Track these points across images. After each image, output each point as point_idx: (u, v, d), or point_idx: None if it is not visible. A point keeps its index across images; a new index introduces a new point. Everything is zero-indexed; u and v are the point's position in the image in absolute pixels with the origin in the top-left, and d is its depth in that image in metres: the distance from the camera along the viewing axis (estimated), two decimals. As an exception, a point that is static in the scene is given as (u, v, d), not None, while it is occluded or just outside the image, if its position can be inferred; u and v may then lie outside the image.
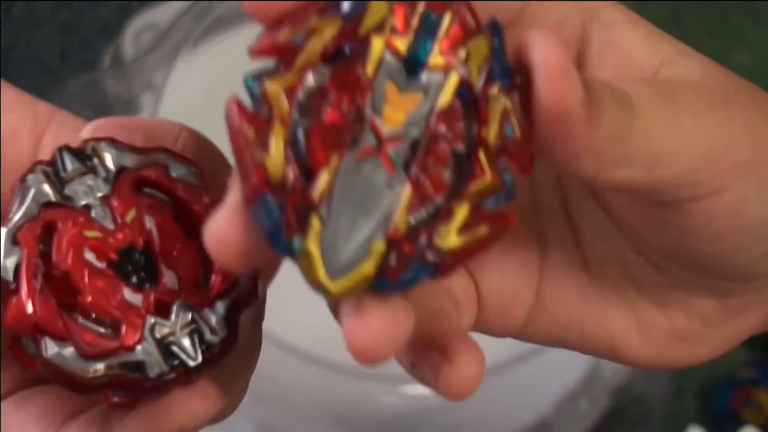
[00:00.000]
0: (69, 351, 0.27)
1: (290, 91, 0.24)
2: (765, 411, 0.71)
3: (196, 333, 0.28)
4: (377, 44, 0.24)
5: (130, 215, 0.28)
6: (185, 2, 0.70)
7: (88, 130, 0.30)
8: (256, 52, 0.25)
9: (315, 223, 0.24)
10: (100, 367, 0.27)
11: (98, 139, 0.29)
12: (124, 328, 0.27)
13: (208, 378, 0.28)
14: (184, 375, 0.28)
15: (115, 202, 0.28)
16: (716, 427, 0.73)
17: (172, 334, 0.28)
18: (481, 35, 0.25)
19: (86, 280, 0.27)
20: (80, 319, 0.27)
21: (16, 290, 0.27)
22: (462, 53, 0.25)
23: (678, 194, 0.27)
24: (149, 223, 0.28)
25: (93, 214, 0.28)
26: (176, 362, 0.27)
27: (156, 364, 0.27)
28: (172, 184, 0.29)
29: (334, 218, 0.24)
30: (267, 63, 0.26)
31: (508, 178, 0.25)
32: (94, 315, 0.27)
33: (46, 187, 0.28)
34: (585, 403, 0.65)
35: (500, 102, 0.25)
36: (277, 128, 0.24)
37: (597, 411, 0.68)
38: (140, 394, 0.28)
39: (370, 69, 0.24)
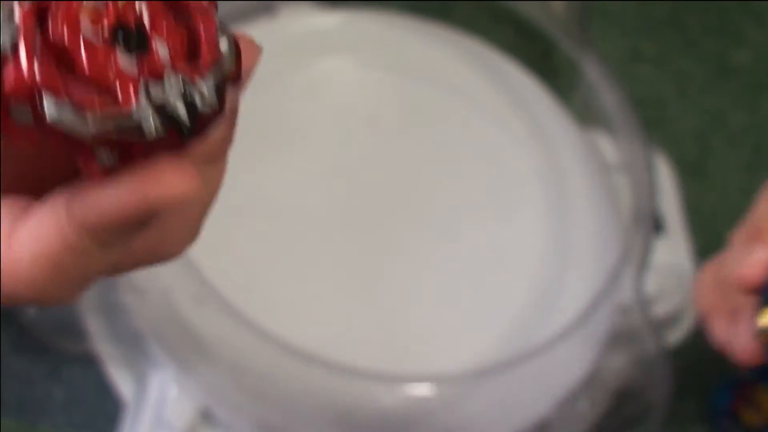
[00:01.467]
0: (69, 111, 0.28)
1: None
2: (765, 411, 0.71)
3: (189, 99, 0.29)
4: None
5: None
6: (185, 2, 0.69)
7: None
8: None
9: None
10: (99, 125, 0.28)
11: None
12: (120, 92, 0.28)
13: (189, 160, 0.29)
14: (178, 138, 0.29)
15: None
16: (716, 427, 0.73)
17: (166, 99, 0.29)
18: None
19: (83, 51, 0.28)
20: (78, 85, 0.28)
21: (15, 58, 0.28)
22: None
23: None
24: (138, 5, 0.29)
25: None
26: (171, 124, 0.28)
27: (153, 126, 0.28)
28: None
29: None
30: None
31: None
32: (91, 82, 0.28)
33: None
34: (585, 403, 0.65)
35: None
36: None
37: (597, 411, 0.68)
38: (129, 160, 0.29)
39: None
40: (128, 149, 0.29)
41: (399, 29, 0.78)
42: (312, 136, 0.73)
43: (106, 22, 0.29)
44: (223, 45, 0.30)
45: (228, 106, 0.30)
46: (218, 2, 0.31)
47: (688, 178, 0.81)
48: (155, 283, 0.63)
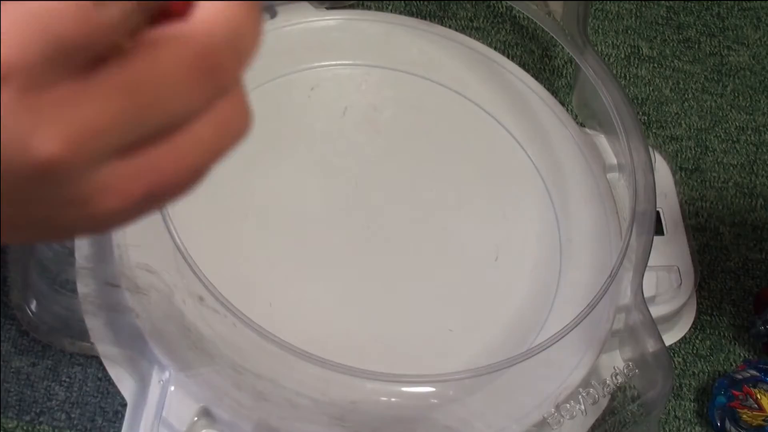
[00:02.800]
0: None
1: None
2: (765, 411, 0.71)
3: None
4: None
5: None
6: (185, 2, 0.69)
7: None
8: None
9: None
10: None
11: None
12: None
13: None
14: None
15: None
16: (716, 426, 0.73)
17: None
18: None
19: None
20: None
21: None
22: None
23: None
24: None
25: None
26: None
27: None
28: None
29: None
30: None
31: None
32: None
33: None
34: (585, 403, 0.65)
35: None
36: None
37: (597, 411, 0.68)
38: None
39: None
40: None
41: (399, 29, 0.78)
42: (312, 136, 0.73)
43: None
44: None
45: None
46: None
47: (688, 178, 0.81)
48: (155, 283, 0.63)
